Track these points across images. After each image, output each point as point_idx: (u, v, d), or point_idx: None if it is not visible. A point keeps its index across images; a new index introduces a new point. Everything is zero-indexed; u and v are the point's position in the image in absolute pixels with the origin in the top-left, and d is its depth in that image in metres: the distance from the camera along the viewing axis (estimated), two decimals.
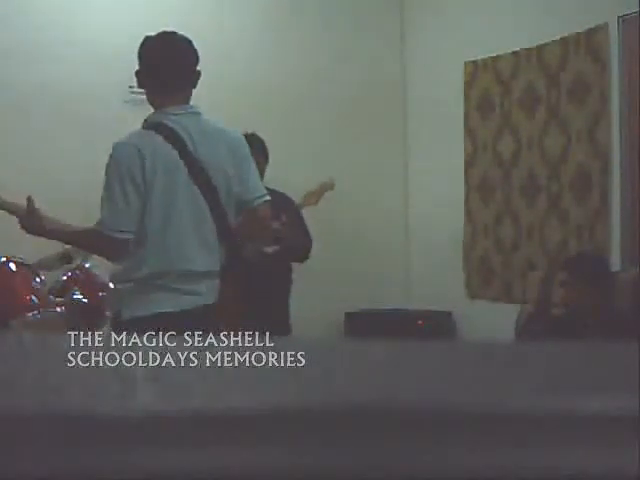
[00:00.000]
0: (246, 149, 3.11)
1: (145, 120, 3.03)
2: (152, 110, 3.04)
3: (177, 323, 2.69)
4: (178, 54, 2.98)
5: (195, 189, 2.91)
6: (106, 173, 2.87)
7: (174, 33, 3.02)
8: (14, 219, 3.07)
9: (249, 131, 4.71)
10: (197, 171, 2.91)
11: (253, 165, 3.11)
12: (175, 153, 2.88)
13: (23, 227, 3.06)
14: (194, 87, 3.05)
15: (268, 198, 3.10)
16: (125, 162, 2.84)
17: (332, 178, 4.81)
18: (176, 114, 2.94)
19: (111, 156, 2.88)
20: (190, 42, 3.01)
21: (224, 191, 2.96)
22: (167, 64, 2.95)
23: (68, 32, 5.28)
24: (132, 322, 2.81)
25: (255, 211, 3.05)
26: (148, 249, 2.87)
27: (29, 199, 2.98)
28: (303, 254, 4.62)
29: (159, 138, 2.89)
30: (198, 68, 3.03)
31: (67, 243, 3.28)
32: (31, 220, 3.00)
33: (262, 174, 4.64)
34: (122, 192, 2.82)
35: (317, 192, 4.63)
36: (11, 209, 3.22)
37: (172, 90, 2.97)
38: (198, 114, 3.02)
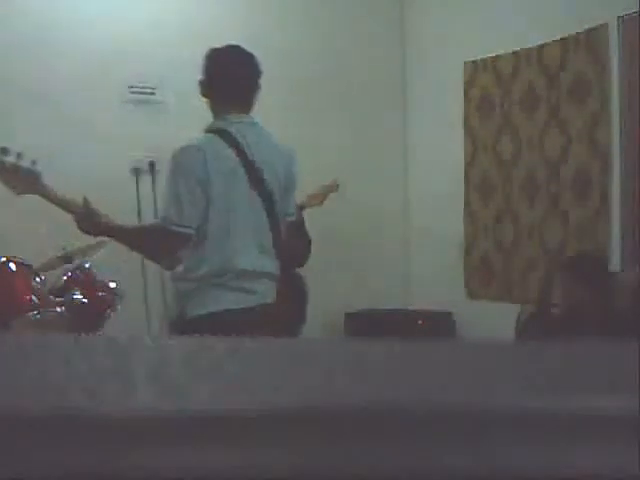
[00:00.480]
0: (297, 164, 3.32)
1: (208, 126, 3.20)
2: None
3: (239, 321, 2.90)
4: (246, 67, 3.21)
5: (253, 194, 3.06)
6: (170, 173, 2.99)
7: (240, 47, 3.25)
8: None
9: None
10: (255, 177, 3.06)
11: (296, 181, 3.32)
12: (236, 158, 3.03)
13: (79, 226, 3.15)
14: (256, 99, 3.26)
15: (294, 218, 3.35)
16: (189, 162, 2.97)
17: (336, 180, 4.81)
18: (237, 122, 3.11)
19: (175, 157, 3.01)
20: (254, 56, 3.26)
21: (278, 199, 3.13)
22: (235, 76, 3.19)
23: (68, 32, 5.28)
24: (196, 320, 2.93)
25: (290, 224, 3.29)
26: (208, 248, 2.98)
27: (85, 199, 3.09)
28: (304, 259, 4.63)
29: (221, 142, 3.04)
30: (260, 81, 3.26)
31: (124, 241, 3.33)
32: (88, 219, 3.09)
33: None
34: (186, 190, 2.93)
35: (322, 193, 4.63)
36: (67, 207, 3.25)
37: (237, 100, 3.17)
38: (257, 124, 3.21)
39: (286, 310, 3.34)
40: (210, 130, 3.13)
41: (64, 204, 3.26)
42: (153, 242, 3.08)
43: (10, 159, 3.19)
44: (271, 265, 3.12)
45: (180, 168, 2.98)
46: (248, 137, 3.10)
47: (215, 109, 3.20)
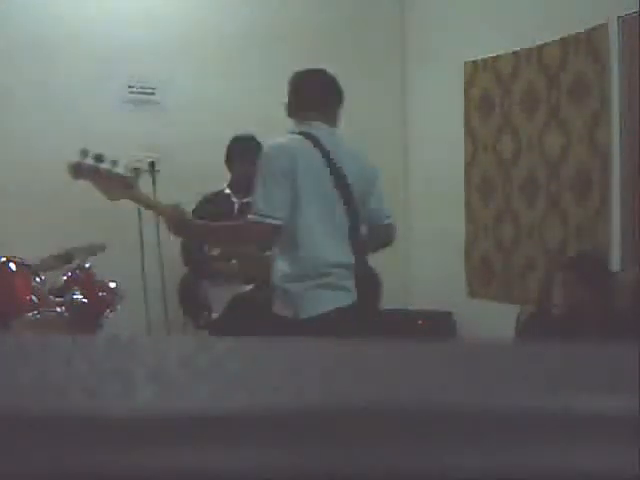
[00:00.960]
0: (379, 172, 3.51)
1: (291, 129, 3.31)
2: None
3: (347, 318, 3.10)
4: (334, 87, 3.38)
5: (337, 194, 3.20)
6: (259, 169, 3.11)
7: (324, 70, 3.41)
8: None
9: (244, 133, 4.72)
10: (338, 179, 3.20)
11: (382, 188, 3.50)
12: (322, 158, 3.17)
13: (170, 229, 3.26)
14: (340, 115, 3.41)
15: (392, 220, 3.55)
16: (278, 158, 3.10)
17: None
18: (320, 128, 3.26)
19: (265, 154, 3.14)
20: (335, 78, 3.42)
21: (359, 203, 3.28)
22: (325, 95, 3.35)
23: (68, 32, 5.28)
24: (311, 321, 3.06)
25: (387, 227, 3.52)
26: (304, 248, 3.12)
27: (177, 206, 3.25)
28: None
29: (308, 142, 3.17)
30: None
31: (216, 239, 3.50)
32: (179, 221, 3.21)
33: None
34: (275, 184, 3.06)
35: None
36: (159, 210, 3.35)
37: (323, 115, 3.31)
38: (339, 135, 3.37)
39: (369, 306, 3.47)
40: (294, 131, 3.26)
41: (156, 208, 3.37)
42: (245, 236, 3.20)
43: (105, 165, 3.31)
44: (352, 262, 3.27)
45: (270, 163, 3.09)
46: (332, 141, 3.25)
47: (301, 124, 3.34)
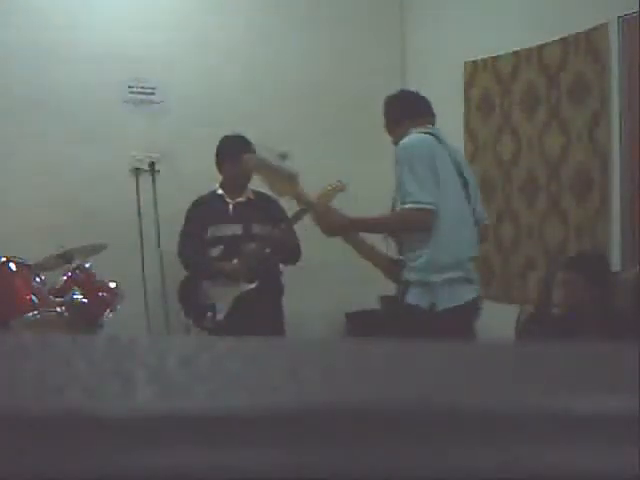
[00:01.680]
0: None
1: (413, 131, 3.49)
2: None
3: (474, 311, 3.30)
4: (425, 99, 3.77)
5: (461, 187, 3.38)
6: (404, 161, 3.27)
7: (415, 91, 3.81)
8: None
9: (233, 133, 4.72)
10: (460, 176, 3.38)
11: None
12: (448, 156, 3.37)
13: (322, 226, 3.38)
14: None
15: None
16: (423, 150, 3.29)
17: (342, 181, 4.75)
18: (437, 130, 3.56)
19: (409, 146, 3.31)
20: None
21: (473, 200, 3.47)
22: (426, 104, 3.72)
23: (68, 32, 5.28)
24: (449, 312, 3.20)
25: (484, 228, 3.69)
26: (444, 239, 3.26)
27: (331, 206, 3.45)
28: (295, 257, 4.64)
29: (435, 140, 3.37)
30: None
31: (373, 231, 3.60)
32: (332, 218, 3.37)
33: (250, 175, 4.66)
34: (424, 173, 3.22)
35: (329, 193, 4.58)
36: (313, 207, 3.45)
37: (433, 119, 3.65)
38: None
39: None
40: (417, 132, 3.45)
41: (313, 208, 3.48)
42: (409, 224, 3.31)
43: (275, 161, 3.44)
44: (477, 256, 3.47)
45: (417, 154, 3.29)
46: (443, 139, 3.48)
47: (410, 127, 3.54)
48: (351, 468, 0.38)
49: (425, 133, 3.43)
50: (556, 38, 5.10)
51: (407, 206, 3.21)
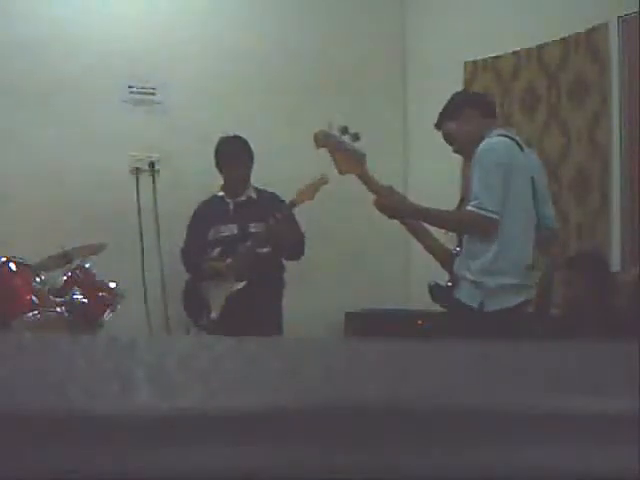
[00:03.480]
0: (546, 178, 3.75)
1: (492, 133, 3.47)
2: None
3: (524, 313, 3.29)
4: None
5: (532, 193, 3.38)
6: (481, 163, 3.29)
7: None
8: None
9: (231, 134, 4.73)
10: (532, 180, 3.39)
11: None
12: (524, 160, 3.37)
13: (382, 207, 3.41)
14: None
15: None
16: (500, 155, 3.29)
17: (324, 174, 4.72)
18: (514, 133, 3.55)
19: (489, 150, 3.31)
20: None
21: (542, 199, 3.49)
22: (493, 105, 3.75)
23: (68, 32, 5.28)
24: (498, 314, 3.22)
25: (552, 232, 3.65)
26: (508, 245, 3.26)
27: (393, 188, 3.46)
28: (297, 252, 4.64)
29: (514, 145, 3.37)
30: None
31: (430, 222, 3.62)
32: (394, 199, 3.41)
33: (249, 175, 4.67)
34: (497, 179, 3.24)
35: (311, 187, 4.58)
36: (376, 188, 3.45)
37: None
38: None
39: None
40: (500, 135, 3.43)
41: (374, 186, 3.47)
42: (463, 225, 3.36)
43: (347, 138, 3.47)
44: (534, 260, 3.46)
45: (494, 159, 3.27)
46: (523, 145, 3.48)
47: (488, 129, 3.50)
48: (351, 468, 0.38)
49: (503, 135, 3.42)
50: (556, 38, 5.09)
51: (472, 209, 3.24)
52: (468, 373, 0.48)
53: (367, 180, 3.47)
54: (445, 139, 3.61)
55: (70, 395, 0.41)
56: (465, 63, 5.73)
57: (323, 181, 4.55)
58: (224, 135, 4.76)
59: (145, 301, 5.33)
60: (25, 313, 3.70)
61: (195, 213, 4.79)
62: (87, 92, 5.30)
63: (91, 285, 4.30)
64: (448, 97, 3.94)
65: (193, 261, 4.67)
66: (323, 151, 4.18)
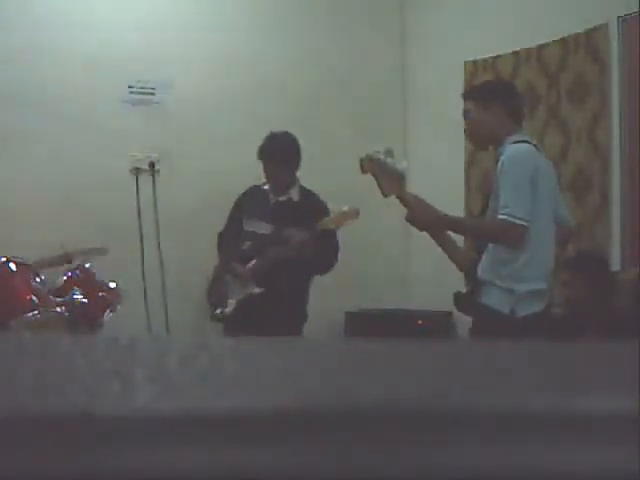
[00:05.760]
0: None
1: (512, 139, 3.47)
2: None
3: (547, 319, 3.38)
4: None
5: (552, 196, 3.42)
6: (511, 171, 3.30)
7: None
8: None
9: (277, 130, 4.63)
10: (552, 183, 3.44)
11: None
12: (547, 165, 3.45)
13: (413, 220, 3.46)
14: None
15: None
16: (529, 164, 3.32)
17: (357, 207, 4.49)
18: (529, 137, 3.55)
19: (518, 158, 3.34)
20: None
21: (556, 198, 3.51)
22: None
23: (67, 32, 5.28)
24: (528, 319, 3.26)
25: (568, 229, 3.67)
26: (533, 251, 3.30)
27: (422, 200, 3.48)
28: (324, 269, 4.58)
29: (536, 150, 3.42)
30: None
31: (461, 232, 3.68)
32: (423, 212, 3.44)
33: (294, 175, 4.57)
34: (527, 188, 3.26)
35: (341, 216, 4.45)
36: (407, 202, 3.46)
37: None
38: None
39: None
40: (517, 141, 3.43)
41: (407, 202, 3.48)
42: (499, 236, 3.34)
43: (390, 161, 3.47)
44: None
45: (524, 167, 3.30)
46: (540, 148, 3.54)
47: (510, 131, 3.49)
48: (351, 468, 0.38)
49: (523, 141, 3.43)
50: (556, 38, 5.09)
51: (502, 217, 3.25)
52: (468, 373, 0.48)
53: (406, 200, 3.50)
54: (464, 115, 3.56)
55: (70, 395, 0.41)
56: (465, 63, 5.73)
57: (355, 215, 4.41)
58: (273, 131, 4.64)
59: (145, 301, 5.34)
60: (25, 313, 3.70)
61: (236, 202, 4.73)
62: (87, 92, 5.30)
63: (91, 285, 4.30)
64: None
65: (224, 248, 4.65)
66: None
